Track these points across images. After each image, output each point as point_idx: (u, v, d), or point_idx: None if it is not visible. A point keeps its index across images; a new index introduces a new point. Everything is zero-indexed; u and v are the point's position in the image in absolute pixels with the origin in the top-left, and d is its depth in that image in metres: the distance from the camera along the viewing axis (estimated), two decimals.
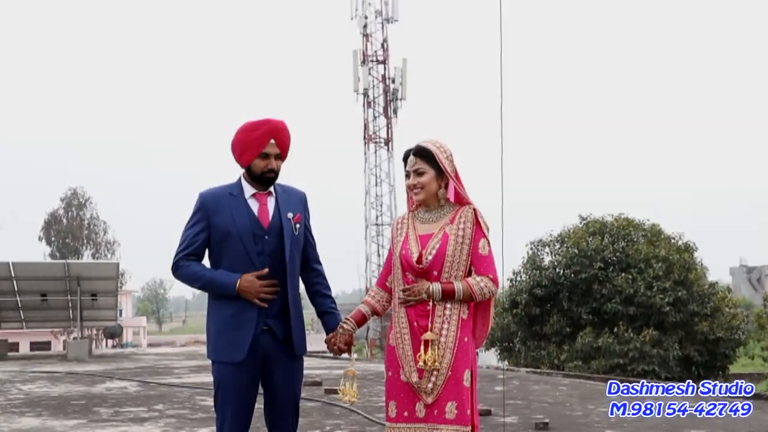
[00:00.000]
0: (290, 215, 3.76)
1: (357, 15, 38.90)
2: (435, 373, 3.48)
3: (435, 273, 3.56)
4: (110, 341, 45.89)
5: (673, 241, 24.70)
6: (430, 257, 3.56)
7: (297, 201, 3.85)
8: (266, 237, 3.70)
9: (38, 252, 61.19)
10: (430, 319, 3.52)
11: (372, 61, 38.61)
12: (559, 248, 24.98)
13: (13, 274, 20.46)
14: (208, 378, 13.04)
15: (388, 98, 38.28)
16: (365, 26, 38.83)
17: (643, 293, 22.43)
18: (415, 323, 3.55)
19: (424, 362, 3.46)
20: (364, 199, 37.37)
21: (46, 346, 46.76)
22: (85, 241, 62.39)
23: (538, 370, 14.61)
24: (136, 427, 7.82)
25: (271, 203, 3.77)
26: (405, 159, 3.72)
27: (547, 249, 25.37)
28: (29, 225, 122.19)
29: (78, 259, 55.98)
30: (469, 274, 3.60)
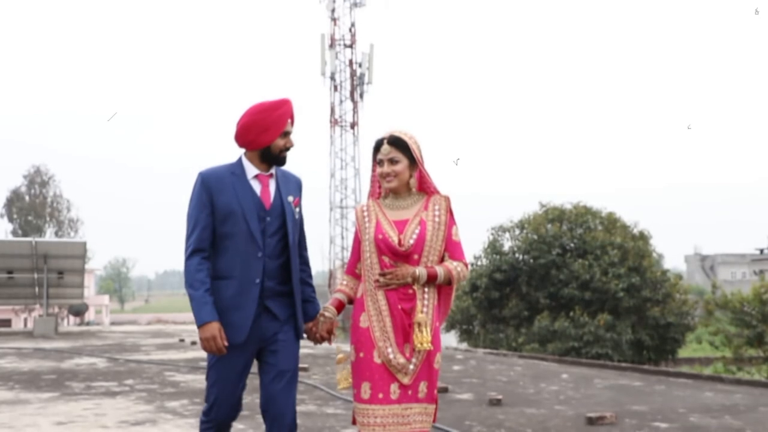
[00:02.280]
0: (290, 198, 3.79)
1: None
2: (417, 354, 3.57)
3: (416, 257, 3.64)
4: (75, 319, 45.80)
5: (628, 229, 25.44)
6: (411, 241, 3.63)
7: (295, 186, 3.86)
8: (268, 218, 3.70)
9: (0, 229, 60.65)
10: (415, 301, 3.61)
11: (339, 45, 38.83)
12: (519, 234, 25.61)
13: None
14: (176, 355, 13.46)
15: (355, 82, 38.55)
16: (333, 10, 39.00)
17: (599, 279, 23.17)
18: (399, 307, 3.60)
19: (420, 343, 3.53)
20: (329, 182, 37.70)
21: (7, 323, 46.50)
22: (48, 218, 62.01)
23: (495, 351, 15.12)
24: (109, 400, 8.16)
25: (272, 185, 3.78)
26: (377, 147, 3.76)
27: (507, 234, 25.98)
28: None
29: (40, 236, 55.65)
30: (442, 259, 3.71)
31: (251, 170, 3.74)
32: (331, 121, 37.97)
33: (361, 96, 38.50)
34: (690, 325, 24.56)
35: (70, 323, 46.00)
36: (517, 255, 25.03)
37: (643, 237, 25.61)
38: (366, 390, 3.59)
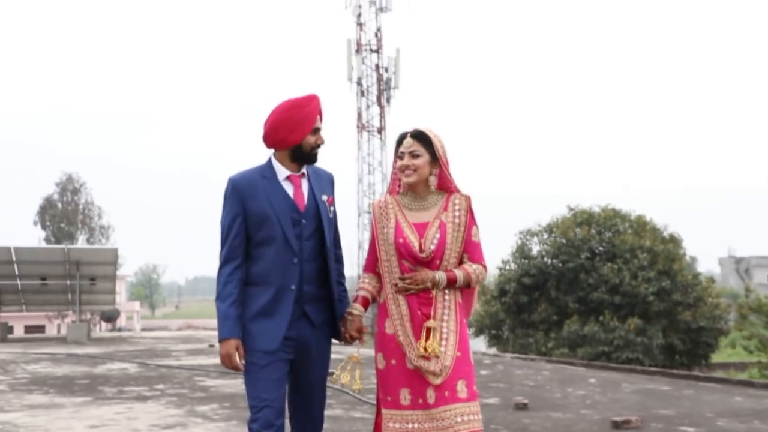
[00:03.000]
0: (324, 197, 3.66)
1: (351, 4, 39.14)
2: (444, 355, 3.49)
3: (437, 262, 3.57)
4: (107, 325, 46.32)
5: (658, 232, 25.25)
6: (432, 247, 3.56)
7: (327, 183, 3.74)
8: (303, 221, 3.57)
9: (33, 236, 61.50)
10: (433, 306, 3.54)
11: (365, 50, 38.91)
12: (548, 238, 25.52)
13: (14, 259, 20.89)
14: (205, 360, 13.60)
15: (381, 87, 38.60)
16: (359, 15, 39.10)
17: (629, 283, 23.01)
18: (419, 311, 3.54)
19: (425, 349, 3.47)
20: (356, 187, 37.78)
21: (41, 329, 47.21)
22: (79, 225, 62.70)
23: (523, 356, 15.11)
24: (140, 404, 8.30)
25: (305, 186, 3.64)
26: (400, 140, 3.69)
27: (535, 239, 25.90)
28: (24, 209, 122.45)
29: (72, 243, 56.35)
30: (460, 260, 3.64)
31: (282, 171, 3.61)
32: (358, 126, 38.06)
33: (388, 101, 38.56)
34: (723, 330, 24.34)
35: (101, 329, 46.54)
36: (545, 259, 24.95)
37: (673, 240, 25.42)
38: (406, 396, 3.51)
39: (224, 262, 3.54)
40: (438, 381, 3.46)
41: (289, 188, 3.59)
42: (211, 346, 17.35)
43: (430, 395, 3.46)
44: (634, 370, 11.24)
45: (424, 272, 3.55)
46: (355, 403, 7.99)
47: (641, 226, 25.30)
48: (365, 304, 3.69)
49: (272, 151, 3.66)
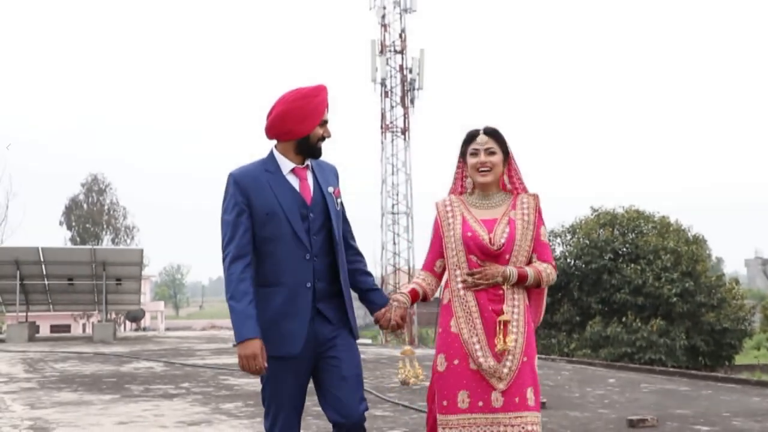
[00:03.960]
0: (330, 189, 3.50)
1: (375, 5, 39.27)
2: (510, 357, 3.38)
3: (506, 257, 3.47)
4: (131, 324, 46.82)
5: (682, 233, 25.19)
6: (502, 241, 3.47)
7: (332, 174, 3.58)
8: (311, 215, 3.40)
9: (59, 236, 62.29)
10: (504, 303, 3.44)
11: (390, 51, 39.02)
12: (571, 239, 25.53)
13: (42, 259, 21.27)
14: (229, 359, 13.80)
15: (405, 88, 38.69)
16: (383, 16, 39.22)
17: (652, 284, 22.98)
18: (490, 308, 3.43)
19: (504, 344, 3.36)
20: (380, 188, 37.93)
21: (66, 328, 47.85)
22: (105, 226, 63.42)
23: (544, 356, 15.18)
24: (167, 401, 8.49)
25: (310, 178, 3.48)
26: (471, 138, 3.58)
27: (558, 239, 25.91)
28: (50, 210, 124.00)
29: (97, 243, 57.01)
30: (529, 260, 3.56)
31: (286, 164, 3.45)
32: (381, 127, 38.18)
33: (412, 102, 38.65)
34: (747, 331, 24.25)
35: (126, 329, 47.08)
36: (569, 260, 24.95)
37: (697, 241, 25.34)
38: (464, 399, 3.37)
39: (233, 259, 3.31)
40: (502, 386, 3.35)
41: (294, 181, 3.44)
42: (235, 345, 17.52)
43: (497, 399, 3.34)
44: (653, 370, 11.30)
45: (494, 267, 3.45)
46: (376, 402, 8.13)
47: (665, 227, 25.26)
48: (414, 295, 3.57)
49: (273, 143, 3.52)
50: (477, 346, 3.38)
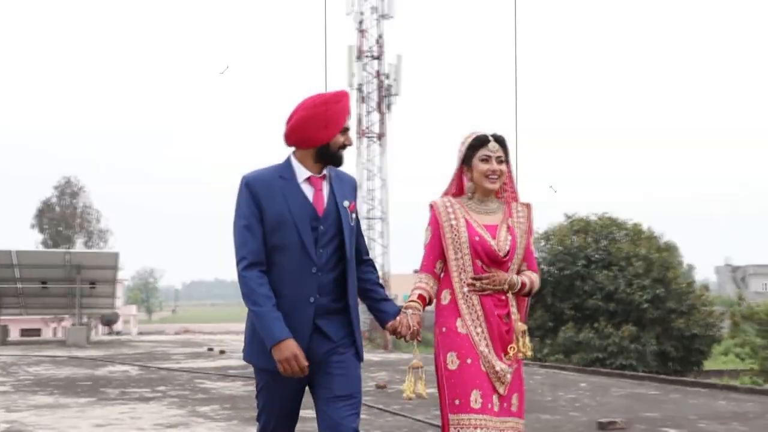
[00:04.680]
0: (346, 203, 3.37)
1: (353, 11, 39.47)
2: (514, 364, 3.46)
3: (509, 264, 3.51)
4: (104, 328, 46.55)
5: (654, 240, 25.54)
6: (507, 248, 3.50)
7: (350, 188, 3.44)
8: (321, 227, 3.27)
9: (30, 240, 61.68)
10: (509, 309, 3.49)
11: (367, 56, 39.20)
12: (545, 245, 25.78)
13: (15, 262, 21.14)
14: (205, 364, 13.85)
15: (382, 94, 38.88)
16: (361, 22, 39.40)
17: (623, 290, 23.29)
18: (496, 312, 3.45)
19: (524, 353, 3.45)
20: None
21: (37, 332, 47.42)
22: (77, 229, 62.89)
23: None
24: (143, 404, 8.54)
25: (326, 189, 3.35)
26: (481, 144, 3.55)
27: (532, 246, 26.15)
28: (22, 213, 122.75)
29: (70, 247, 56.54)
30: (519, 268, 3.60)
31: (302, 172, 3.31)
32: (358, 133, 38.31)
33: (389, 107, 38.84)
34: (716, 337, 24.60)
35: (99, 333, 46.74)
36: (542, 266, 25.19)
37: (668, 248, 25.71)
38: (477, 399, 3.36)
39: (248, 265, 3.20)
40: (502, 390, 3.40)
41: (308, 191, 3.31)
42: (210, 349, 17.59)
43: (495, 402, 3.38)
44: (623, 375, 11.52)
45: (501, 273, 3.48)
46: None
47: (637, 234, 25.59)
48: (423, 301, 3.51)
49: (291, 150, 3.39)
50: (486, 350, 3.40)
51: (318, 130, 3.27)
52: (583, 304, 23.82)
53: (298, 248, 3.23)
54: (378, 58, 39.15)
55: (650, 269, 23.91)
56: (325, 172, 3.37)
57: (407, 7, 72.82)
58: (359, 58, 38.81)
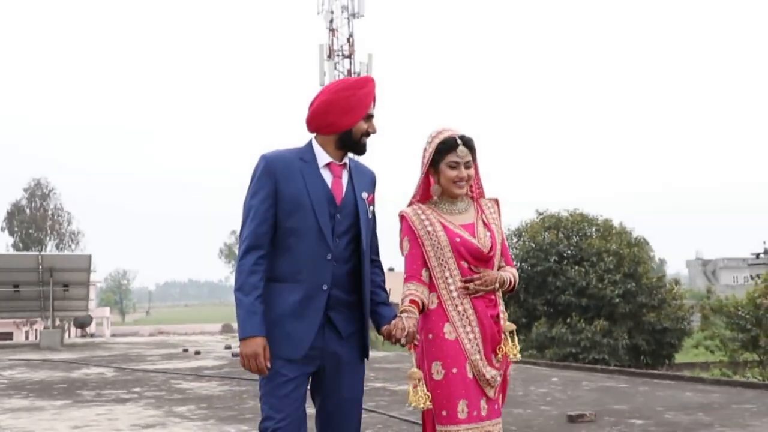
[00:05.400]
0: (365, 195, 3.27)
1: (323, 10, 39.42)
2: (498, 365, 3.39)
3: (494, 261, 3.43)
4: (78, 331, 46.22)
5: (624, 235, 25.86)
6: (489, 244, 3.42)
7: (369, 181, 3.35)
8: (338, 215, 3.18)
9: (1, 243, 61.15)
10: (499, 308, 3.43)
11: (338, 55, 39.18)
12: (517, 242, 26.02)
13: None
14: (180, 365, 13.89)
15: None
16: (331, 21, 39.38)
17: (595, 285, 23.60)
18: (489, 314, 3.38)
19: (513, 354, 3.41)
20: None
21: (9, 336, 46.98)
22: (48, 231, 62.44)
23: None
24: (119, 406, 8.59)
25: (345, 177, 3.26)
26: (450, 148, 3.44)
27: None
28: None
29: (41, 249, 56.10)
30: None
31: (323, 158, 3.22)
32: None
33: None
34: (686, 330, 24.96)
35: (72, 335, 46.43)
36: (515, 263, 25.42)
37: (638, 243, 26.04)
38: (463, 409, 3.28)
39: (247, 249, 3.11)
40: (492, 393, 3.34)
41: (327, 177, 3.21)
42: (185, 350, 17.60)
43: (483, 407, 3.31)
44: (594, 369, 11.71)
45: (490, 272, 3.39)
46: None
47: (607, 230, 25.89)
48: (416, 305, 3.36)
49: (313, 135, 3.30)
50: (477, 356, 3.31)
51: (340, 115, 3.18)
52: (556, 300, 24.08)
53: (315, 233, 3.13)
54: (349, 57, 39.17)
55: (621, 264, 24.23)
56: (345, 160, 3.28)
57: (378, 6, 73.03)
58: (330, 57, 38.80)
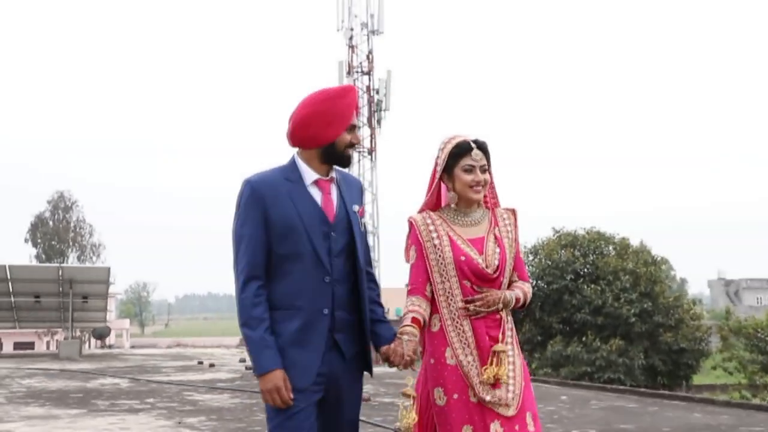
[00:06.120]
0: (356, 207, 3.14)
1: (343, 27, 39.59)
2: (512, 382, 3.16)
3: (501, 280, 3.23)
4: (97, 342, 46.58)
5: (641, 254, 25.78)
6: (496, 263, 3.23)
7: (357, 191, 3.22)
8: (332, 234, 3.04)
9: (24, 254, 61.78)
10: (501, 329, 3.21)
11: (357, 72, 39.34)
12: (533, 259, 26.00)
13: (8, 276, 21.33)
14: (194, 377, 14.04)
15: (372, 109, 39.01)
16: (351, 38, 39.54)
17: (611, 304, 23.52)
18: (487, 336, 3.18)
19: (495, 377, 3.12)
20: None
21: (30, 346, 47.47)
22: (70, 243, 62.96)
23: None
24: (132, 416, 8.73)
25: (334, 192, 3.12)
26: (464, 151, 3.28)
27: None
28: (15, 227, 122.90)
29: (63, 261, 56.66)
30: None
31: (309, 175, 3.08)
32: None
33: (379, 122, 38.94)
34: (704, 351, 24.80)
35: (92, 346, 46.78)
36: (531, 280, 25.40)
37: (655, 262, 25.96)
38: None
39: (246, 281, 2.96)
40: (511, 412, 3.11)
41: (317, 195, 3.07)
42: (200, 363, 17.76)
43: (496, 429, 3.09)
44: (604, 388, 11.74)
45: (493, 292, 3.20)
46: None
47: (624, 248, 25.83)
48: (418, 325, 3.19)
49: (296, 150, 3.15)
50: (476, 380, 3.13)
51: (322, 128, 3.04)
52: (571, 318, 24.02)
53: (311, 256, 2.99)
54: (368, 73, 39.33)
55: (637, 283, 24.14)
56: (332, 174, 3.14)
57: (397, 23, 73.47)
58: (349, 73, 38.96)
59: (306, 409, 2.96)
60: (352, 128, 3.10)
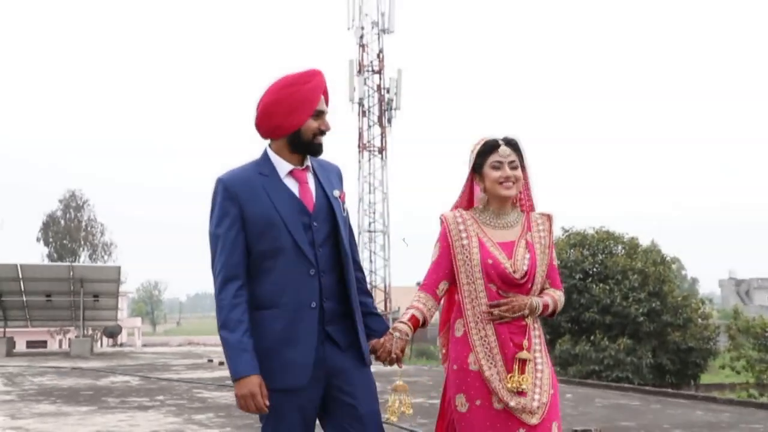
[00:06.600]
0: (336, 193, 3.03)
1: (354, 26, 39.86)
2: (538, 390, 3.07)
3: (529, 286, 3.15)
4: (109, 340, 46.90)
5: (650, 254, 25.83)
6: (525, 268, 3.14)
7: (336, 176, 3.11)
8: (314, 224, 2.93)
9: (36, 253, 62.13)
10: (527, 336, 3.12)
11: (368, 71, 39.58)
12: None
13: (20, 275, 21.56)
14: (204, 374, 14.19)
15: (383, 108, 39.22)
16: (362, 37, 39.79)
17: (620, 303, 23.57)
18: (511, 342, 3.09)
19: (519, 383, 3.04)
20: (357, 207, 38.39)
21: (43, 344, 47.84)
22: (82, 242, 63.28)
23: None
24: (141, 413, 8.88)
25: (311, 181, 3.00)
26: (490, 149, 3.21)
27: None
28: (27, 226, 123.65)
29: (75, 260, 57.02)
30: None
31: (283, 166, 2.96)
32: (359, 146, 38.67)
33: (389, 121, 39.16)
34: (712, 350, 24.84)
35: (103, 345, 47.13)
36: (563, 288, 25.44)
37: (664, 262, 26.01)
38: None
39: (223, 282, 2.87)
40: (535, 420, 3.04)
41: (293, 186, 2.96)
42: (210, 360, 17.92)
43: None
44: (609, 386, 11.83)
45: (519, 298, 3.13)
46: None
47: (633, 248, 25.88)
48: (415, 324, 3.13)
49: (267, 142, 3.05)
50: (500, 385, 3.05)
51: (286, 116, 2.91)
52: (580, 317, 24.08)
53: (292, 250, 2.88)
54: (379, 72, 39.54)
55: (646, 283, 24.19)
56: (307, 163, 3.03)
57: (407, 22, 73.52)
58: (360, 72, 39.20)
59: (300, 410, 2.88)
60: (319, 114, 2.98)
